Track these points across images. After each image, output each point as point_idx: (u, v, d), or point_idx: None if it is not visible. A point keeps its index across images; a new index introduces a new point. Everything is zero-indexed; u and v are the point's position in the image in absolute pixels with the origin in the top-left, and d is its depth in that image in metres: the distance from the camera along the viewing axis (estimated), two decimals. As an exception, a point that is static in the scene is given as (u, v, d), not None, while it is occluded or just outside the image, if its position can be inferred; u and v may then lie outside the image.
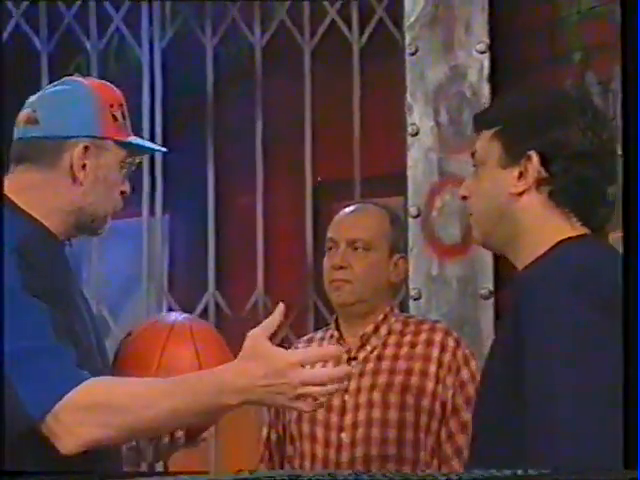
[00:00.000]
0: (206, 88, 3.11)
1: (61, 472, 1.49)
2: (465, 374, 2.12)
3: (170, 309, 3.10)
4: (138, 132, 1.78)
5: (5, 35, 3.01)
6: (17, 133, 1.65)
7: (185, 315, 1.77)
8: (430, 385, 2.10)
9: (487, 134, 1.51)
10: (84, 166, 1.62)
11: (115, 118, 1.65)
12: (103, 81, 1.72)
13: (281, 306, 1.54)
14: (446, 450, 2.10)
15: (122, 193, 1.68)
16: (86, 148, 1.62)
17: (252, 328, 1.52)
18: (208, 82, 3.11)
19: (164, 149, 1.91)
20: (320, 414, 2.10)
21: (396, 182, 2.85)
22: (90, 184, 1.63)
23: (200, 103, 3.11)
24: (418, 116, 2.79)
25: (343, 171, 2.98)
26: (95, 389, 1.50)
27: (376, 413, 2.08)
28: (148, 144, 1.79)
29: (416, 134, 2.79)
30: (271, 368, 1.47)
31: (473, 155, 1.53)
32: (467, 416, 2.09)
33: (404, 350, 2.13)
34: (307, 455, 2.10)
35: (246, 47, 3.10)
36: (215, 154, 3.10)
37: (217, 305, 3.09)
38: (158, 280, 3.14)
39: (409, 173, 2.80)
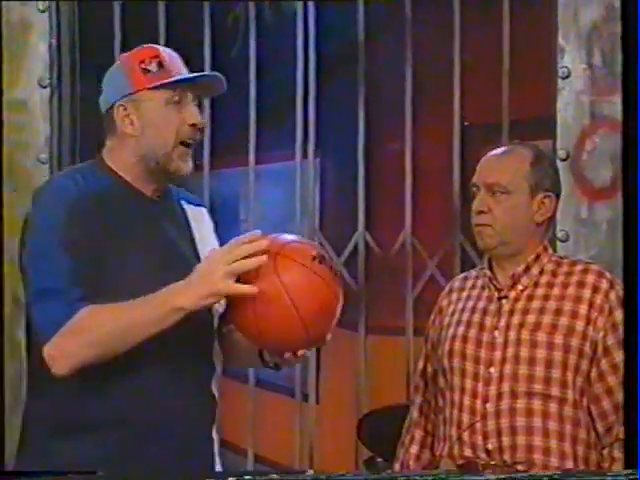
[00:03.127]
0: (357, 34, 3.02)
1: (61, 472, 1.61)
2: (618, 315, 2.02)
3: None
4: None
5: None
6: None
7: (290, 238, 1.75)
8: (580, 325, 2.00)
9: None
10: (131, 122, 1.81)
11: (146, 71, 1.80)
12: (144, 45, 1.87)
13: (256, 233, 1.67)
14: (596, 390, 2.01)
15: (193, 125, 1.81)
16: (123, 107, 1.81)
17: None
18: (359, 28, 3.02)
19: (214, 74, 1.89)
20: (470, 349, 2.05)
21: (545, 125, 2.73)
22: (140, 133, 1.81)
23: (352, 49, 3.03)
24: (570, 58, 2.65)
25: (491, 114, 2.86)
26: (82, 316, 1.68)
27: (524, 351, 2.01)
28: (189, 76, 1.84)
29: (567, 77, 2.65)
30: (204, 264, 1.68)
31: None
32: (619, 357, 1.99)
33: (555, 290, 2.04)
34: (457, 388, 2.05)
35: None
36: (365, 98, 3.03)
37: (367, 244, 3.04)
38: (310, 219, 3.10)
39: (559, 116, 2.67)
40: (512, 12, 2.84)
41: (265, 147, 3.09)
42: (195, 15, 3.09)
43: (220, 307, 1.81)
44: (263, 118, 3.08)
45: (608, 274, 2.06)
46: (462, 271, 2.39)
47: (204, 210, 1.94)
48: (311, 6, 3.07)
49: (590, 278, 2.03)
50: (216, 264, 1.65)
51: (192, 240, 1.88)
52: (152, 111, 1.80)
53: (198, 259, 1.82)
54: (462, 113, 2.92)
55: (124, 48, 3.11)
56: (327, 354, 3.11)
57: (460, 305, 2.12)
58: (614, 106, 2.57)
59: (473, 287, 2.13)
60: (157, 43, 3.05)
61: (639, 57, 1.27)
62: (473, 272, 2.18)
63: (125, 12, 3.12)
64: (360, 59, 3.02)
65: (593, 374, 2.00)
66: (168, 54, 1.84)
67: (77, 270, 1.71)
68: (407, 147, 2.98)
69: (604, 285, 2.02)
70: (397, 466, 2.19)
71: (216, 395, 1.89)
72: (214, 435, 1.88)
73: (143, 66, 1.81)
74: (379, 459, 2.81)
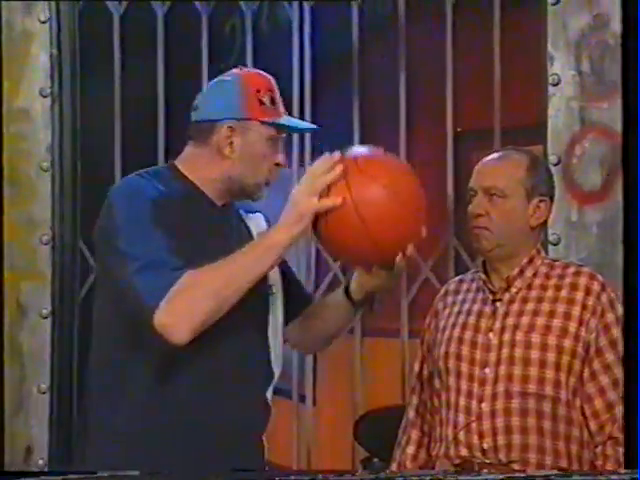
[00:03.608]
0: (351, 42, 3.05)
1: (61, 472, 1.62)
2: (610, 317, 2.04)
3: (317, 253, 3.09)
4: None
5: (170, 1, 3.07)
6: (191, 117, 1.89)
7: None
8: (573, 327, 2.03)
9: None
10: (231, 143, 1.82)
11: (261, 102, 1.83)
12: (257, 70, 1.91)
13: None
14: (588, 389, 2.03)
15: (277, 164, 1.86)
16: (231, 128, 1.82)
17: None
18: (354, 36, 3.05)
19: (313, 126, 1.99)
20: (465, 351, 2.07)
21: (536, 131, 2.75)
22: (237, 158, 1.82)
23: (346, 57, 3.05)
24: (560, 66, 2.67)
25: (484, 121, 2.88)
26: (186, 279, 1.69)
27: (518, 352, 2.03)
28: (295, 123, 1.92)
29: (557, 84, 2.68)
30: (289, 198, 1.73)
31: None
32: (611, 357, 2.01)
33: (549, 293, 2.06)
34: (452, 389, 2.07)
35: (390, 2, 3.01)
36: (360, 105, 3.05)
37: (362, 249, 3.05)
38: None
39: (550, 122, 2.69)
40: (503, 21, 2.86)
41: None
42: (193, 25, 3.11)
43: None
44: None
45: (599, 277, 2.08)
46: (456, 274, 2.41)
47: (260, 215, 1.98)
48: (307, 16, 3.09)
49: (582, 280, 2.06)
50: (297, 190, 1.71)
51: None
52: (256, 143, 1.83)
53: None
54: (455, 119, 2.94)
55: (123, 58, 3.14)
56: (323, 357, 3.13)
57: (455, 308, 2.14)
58: (603, 112, 2.60)
59: (468, 290, 2.15)
60: (155, 53, 3.13)
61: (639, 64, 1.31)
62: (468, 275, 2.20)
63: (124, 22, 3.13)
64: (354, 67, 3.05)
65: (586, 374, 2.02)
66: (276, 89, 1.88)
67: (172, 245, 1.73)
68: (401, 153, 3.00)
69: (596, 287, 2.05)
70: (394, 466, 2.20)
71: (269, 402, 1.93)
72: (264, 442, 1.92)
73: (259, 96, 1.83)
74: (376, 459, 2.83)
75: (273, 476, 1.45)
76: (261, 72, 1.90)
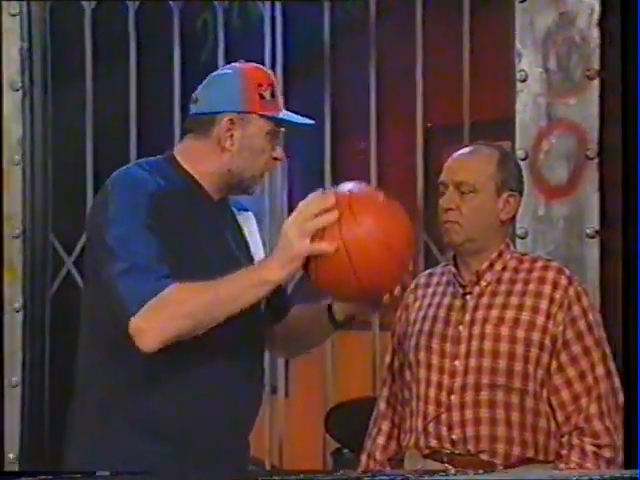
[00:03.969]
0: (323, 37, 3.05)
1: (61, 472, 1.61)
2: (576, 310, 2.06)
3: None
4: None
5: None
6: (189, 110, 1.87)
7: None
8: (541, 320, 2.05)
9: None
10: (231, 136, 1.80)
11: (262, 96, 1.82)
12: (258, 65, 1.88)
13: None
14: (555, 381, 2.05)
15: (275, 159, 1.85)
16: (231, 121, 1.80)
17: None
18: (325, 33, 3.05)
19: (311, 122, 1.95)
20: (435, 343, 2.08)
21: (504, 127, 2.77)
22: (236, 151, 1.81)
23: (317, 53, 3.05)
24: (527, 62, 2.69)
25: (453, 116, 2.89)
26: (170, 292, 1.67)
27: (487, 344, 2.05)
28: (295, 118, 1.88)
29: (525, 80, 2.70)
30: (280, 235, 1.69)
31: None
32: (577, 350, 2.04)
33: (517, 286, 2.08)
34: (423, 381, 2.09)
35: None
36: (331, 102, 3.05)
37: (333, 243, 3.06)
38: (279, 217, 3.12)
39: (517, 118, 2.71)
40: (472, 18, 2.88)
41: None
42: (165, 19, 3.09)
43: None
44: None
45: (567, 270, 2.10)
46: (426, 268, 2.42)
47: (251, 214, 1.97)
48: (278, 11, 3.09)
49: (550, 274, 2.07)
50: (289, 229, 1.68)
51: (246, 243, 1.90)
52: (255, 136, 1.82)
53: (251, 261, 1.85)
54: (425, 115, 2.95)
55: (95, 52, 3.12)
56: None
57: (426, 301, 2.16)
58: (569, 108, 2.62)
59: (438, 283, 2.16)
60: (127, 48, 3.11)
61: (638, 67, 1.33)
62: (438, 268, 2.21)
63: (96, 16, 3.11)
64: (326, 63, 3.05)
65: (553, 366, 2.04)
66: (276, 84, 1.87)
67: (162, 250, 1.70)
68: (372, 147, 3.01)
69: (563, 281, 2.06)
70: (364, 457, 2.21)
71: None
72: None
73: (260, 90, 1.82)
74: (346, 451, 2.84)
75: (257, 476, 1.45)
76: (261, 66, 1.89)
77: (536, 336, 2.04)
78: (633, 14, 2.45)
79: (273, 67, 3.08)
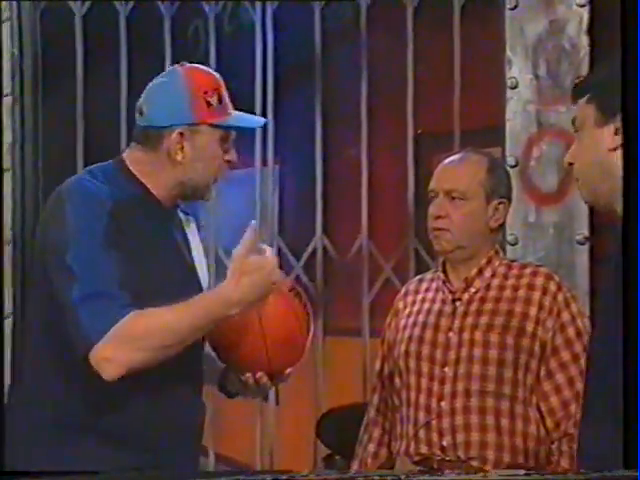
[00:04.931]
0: (314, 45, 3.04)
1: (61, 472, 1.58)
2: (565, 316, 2.06)
3: (279, 251, 3.08)
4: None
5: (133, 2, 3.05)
6: (136, 120, 1.82)
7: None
8: (530, 326, 2.05)
9: (582, 101, 1.52)
10: (182, 149, 1.76)
11: (209, 104, 1.76)
12: (201, 67, 1.82)
13: (253, 223, 1.73)
14: (545, 387, 2.05)
15: (228, 162, 1.80)
16: (181, 134, 1.76)
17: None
18: (316, 41, 3.04)
19: (262, 120, 1.94)
20: (425, 350, 2.08)
21: (494, 134, 2.76)
22: (189, 163, 1.77)
23: (309, 59, 3.04)
24: (517, 70, 2.70)
25: (444, 123, 2.89)
26: (131, 322, 1.65)
27: (477, 351, 2.05)
28: (244, 122, 1.85)
29: (515, 87, 2.70)
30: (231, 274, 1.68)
31: (573, 123, 1.54)
32: (567, 356, 2.04)
33: (507, 293, 2.08)
34: (413, 387, 2.08)
35: (352, 8, 3.01)
36: (323, 107, 3.05)
37: (324, 248, 3.06)
38: (270, 224, 3.11)
39: (508, 125, 2.71)
40: (463, 25, 2.88)
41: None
42: (156, 26, 3.08)
43: None
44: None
45: (556, 277, 2.10)
46: (417, 274, 2.42)
47: (192, 219, 1.93)
48: (269, 17, 3.08)
49: (539, 281, 2.07)
50: (239, 277, 1.66)
51: (189, 248, 1.88)
52: (206, 146, 1.77)
53: (194, 267, 1.84)
54: (415, 122, 2.95)
55: (85, 58, 3.11)
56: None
57: (415, 307, 2.15)
58: (559, 115, 2.62)
59: (428, 290, 2.16)
60: (118, 54, 3.10)
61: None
62: (428, 275, 2.21)
63: (86, 22, 3.10)
64: (317, 69, 3.04)
65: (542, 373, 2.04)
66: (223, 86, 1.80)
67: (123, 275, 1.67)
68: (363, 154, 3.01)
69: (552, 287, 2.06)
70: (355, 464, 2.21)
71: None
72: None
73: (207, 98, 1.76)
74: (337, 457, 2.83)
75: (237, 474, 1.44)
76: (204, 68, 1.82)
77: (525, 342, 2.03)
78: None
79: (264, 73, 3.08)
